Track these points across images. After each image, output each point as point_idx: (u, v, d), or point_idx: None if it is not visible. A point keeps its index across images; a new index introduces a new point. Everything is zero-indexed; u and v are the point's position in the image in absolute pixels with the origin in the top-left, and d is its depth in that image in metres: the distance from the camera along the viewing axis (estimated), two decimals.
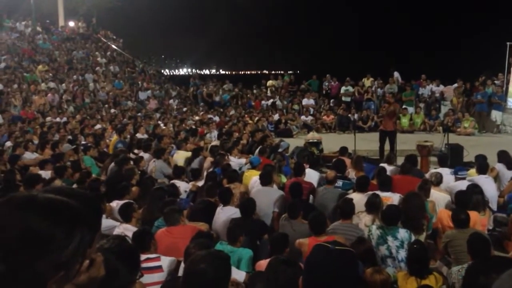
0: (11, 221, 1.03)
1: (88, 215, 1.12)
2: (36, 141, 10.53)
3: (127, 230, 4.74)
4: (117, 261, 1.96)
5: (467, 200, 5.65)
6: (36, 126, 12.71)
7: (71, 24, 29.97)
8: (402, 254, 4.67)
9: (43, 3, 29.63)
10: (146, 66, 28.86)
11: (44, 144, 9.94)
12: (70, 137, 11.50)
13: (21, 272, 1.01)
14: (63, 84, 19.20)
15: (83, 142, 10.79)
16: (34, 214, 1.05)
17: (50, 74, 19.93)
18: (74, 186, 6.60)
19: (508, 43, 15.67)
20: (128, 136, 11.75)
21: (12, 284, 1.01)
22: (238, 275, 3.87)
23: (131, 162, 8.29)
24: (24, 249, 1.02)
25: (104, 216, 5.28)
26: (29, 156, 9.25)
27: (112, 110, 17.36)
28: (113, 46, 28.24)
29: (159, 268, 3.87)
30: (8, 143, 10.53)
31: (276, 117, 17.06)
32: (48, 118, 14.59)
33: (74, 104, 17.50)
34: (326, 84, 20.81)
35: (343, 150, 9.39)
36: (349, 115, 17.17)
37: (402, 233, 4.82)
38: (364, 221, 5.48)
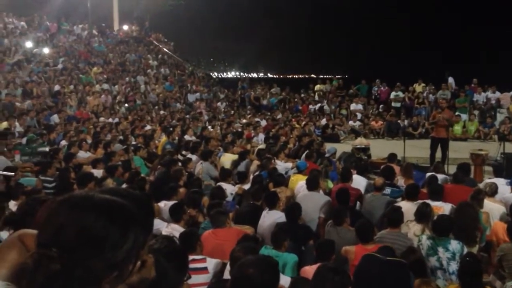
0: (68, 220, 1.06)
1: (141, 216, 1.14)
2: (89, 141, 10.89)
3: (175, 230, 4.80)
4: (166, 262, 1.98)
5: None
6: (90, 126, 13.15)
7: (125, 27, 30.88)
8: (454, 266, 4.51)
9: (99, 7, 30.68)
10: (195, 69, 29.34)
11: (97, 143, 10.26)
12: (121, 137, 11.82)
13: (76, 270, 1.03)
14: (116, 86, 19.81)
15: (133, 143, 11.07)
16: (91, 214, 1.07)
17: (104, 76, 20.61)
18: (124, 185, 6.78)
19: None
20: (177, 138, 11.96)
21: (67, 283, 1.03)
22: (283, 280, 3.84)
23: (179, 164, 8.43)
24: (80, 248, 1.04)
25: None
26: (82, 155, 9.58)
27: (162, 112, 17.75)
28: (164, 49, 28.90)
29: (204, 270, 3.90)
30: (63, 142, 10.94)
31: (323, 121, 16.91)
32: (101, 119, 15.07)
33: (126, 106, 18.02)
34: (376, 89, 20.46)
35: (392, 157, 9.18)
36: (399, 121, 16.78)
37: (454, 244, 4.65)
38: (413, 230, 5.32)
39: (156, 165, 8.97)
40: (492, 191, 6.45)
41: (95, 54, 23.75)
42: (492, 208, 6.07)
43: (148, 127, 13.99)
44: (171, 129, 12.73)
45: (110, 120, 14.95)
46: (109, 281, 1.07)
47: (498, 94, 17.69)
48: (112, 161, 8.51)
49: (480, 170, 9.37)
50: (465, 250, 4.66)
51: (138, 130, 13.17)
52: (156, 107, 18.61)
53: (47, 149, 10.09)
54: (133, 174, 7.44)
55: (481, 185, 7.02)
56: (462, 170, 7.64)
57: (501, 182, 7.10)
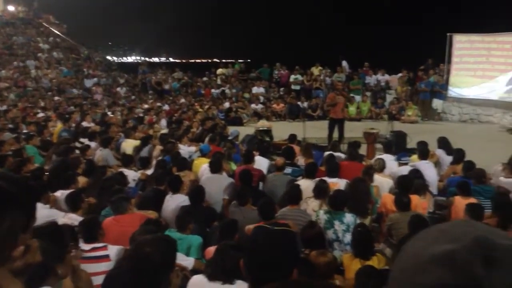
0: None
1: (21, 199, 1.09)
2: None
3: (73, 219, 4.62)
4: (45, 239, 1.91)
5: (409, 184, 5.88)
6: None
7: (11, 8, 28.53)
8: (348, 237, 4.81)
9: None
10: (91, 53, 27.95)
11: None
12: (11, 125, 11.07)
13: None
14: (3, 71, 18.34)
15: (24, 131, 10.41)
16: None
17: None
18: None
19: (448, 34, 16.33)
20: (73, 125, 11.43)
21: None
22: (187, 261, 3.88)
23: (77, 151, 8.07)
24: None
25: (48, 206, 5.13)
26: None
27: (56, 98, 16.77)
28: (56, 32, 27.17)
29: (106, 258, 3.80)
30: None
31: (226, 105, 17.02)
32: None
33: (15, 92, 16.78)
34: (276, 72, 20.93)
35: (292, 138, 9.50)
36: (299, 103, 17.35)
37: (348, 217, 4.96)
38: (311, 206, 5.59)
39: (51, 154, 8.50)
40: (381, 166, 6.96)
41: None
42: (381, 182, 6.56)
43: (41, 114, 13.18)
44: (67, 115, 12.13)
45: None
46: None
47: (387, 76, 18.95)
48: (2, 151, 7.95)
49: (372, 148, 10.02)
50: (358, 221, 5.00)
51: (30, 117, 12.41)
52: (50, 93, 17.52)
53: None
54: (18, 162, 6.97)
55: (372, 161, 7.54)
56: (353, 147, 8.14)
57: (389, 158, 7.68)
